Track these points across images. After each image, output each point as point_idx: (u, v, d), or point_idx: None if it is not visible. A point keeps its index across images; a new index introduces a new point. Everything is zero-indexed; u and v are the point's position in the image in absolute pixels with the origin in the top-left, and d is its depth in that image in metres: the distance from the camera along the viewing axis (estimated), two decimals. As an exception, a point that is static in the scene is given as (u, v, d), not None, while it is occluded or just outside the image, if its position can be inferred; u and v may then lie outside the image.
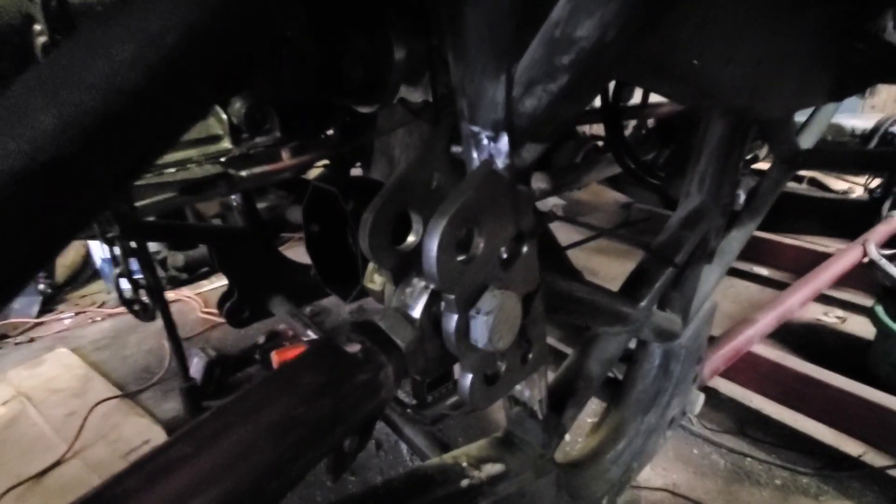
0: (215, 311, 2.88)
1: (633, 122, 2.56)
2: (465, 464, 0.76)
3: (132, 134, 0.36)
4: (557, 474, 0.90)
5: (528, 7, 0.48)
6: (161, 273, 2.81)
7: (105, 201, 0.42)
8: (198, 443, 0.38)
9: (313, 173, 2.06)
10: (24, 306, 3.20)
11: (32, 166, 0.33)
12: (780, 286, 2.78)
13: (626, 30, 0.42)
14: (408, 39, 1.01)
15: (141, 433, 2.12)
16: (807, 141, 1.62)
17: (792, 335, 2.50)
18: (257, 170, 1.05)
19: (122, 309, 3.20)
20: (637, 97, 2.21)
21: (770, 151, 1.52)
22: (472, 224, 0.50)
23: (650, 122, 2.51)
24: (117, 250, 1.06)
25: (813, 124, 1.65)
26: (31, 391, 2.43)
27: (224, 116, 1.01)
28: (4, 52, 0.75)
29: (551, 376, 0.97)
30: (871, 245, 2.66)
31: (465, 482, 0.73)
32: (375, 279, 0.60)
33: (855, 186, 3.87)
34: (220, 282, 3.31)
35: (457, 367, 0.57)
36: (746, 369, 1.99)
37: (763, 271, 3.17)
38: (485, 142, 0.52)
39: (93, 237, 1.03)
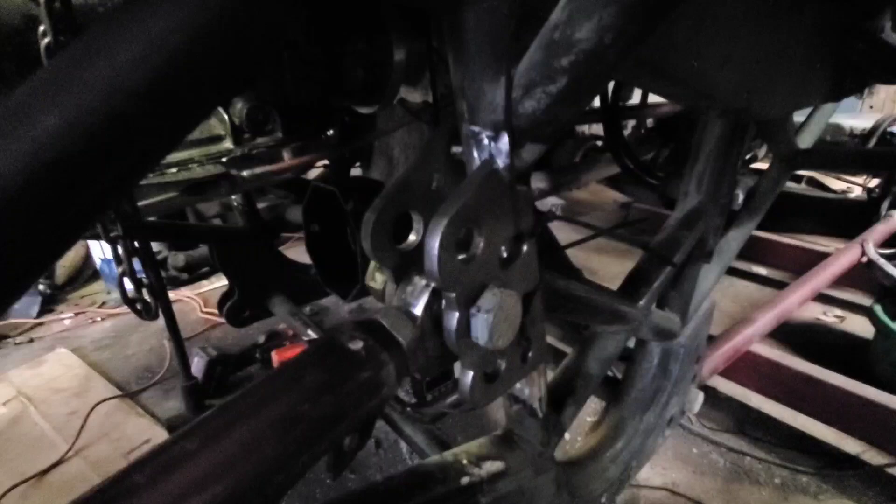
0: (215, 310, 2.89)
1: (632, 122, 2.58)
2: (465, 461, 0.76)
3: (135, 135, 0.37)
4: (557, 472, 0.90)
5: (527, 10, 0.48)
6: (162, 273, 2.81)
7: (109, 201, 0.42)
8: (203, 438, 0.38)
9: (313, 174, 2.07)
10: (24, 307, 3.21)
11: (36, 167, 0.34)
12: (779, 285, 2.79)
13: (624, 32, 0.43)
14: (407, 41, 1.02)
15: (142, 432, 2.12)
16: (805, 140, 1.63)
17: (791, 334, 2.50)
18: (259, 170, 1.06)
19: (122, 309, 3.21)
20: (636, 97, 2.22)
21: (769, 151, 1.52)
22: (472, 224, 0.51)
23: (649, 121, 2.52)
24: (120, 249, 1.07)
25: (811, 124, 1.66)
26: (32, 391, 2.43)
27: (226, 117, 1.02)
28: (7, 53, 0.75)
29: (550, 375, 0.97)
30: (869, 244, 2.66)
31: (465, 479, 0.73)
32: (377, 278, 0.61)
33: (853, 186, 3.88)
34: (220, 282, 3.32)
35: (456, 366, 0.57)
36: (746, 368, 1.99)
37: (762, 271, 3.18)
38: (485, 142, 0.52)
39: (96, 236, 1.03)
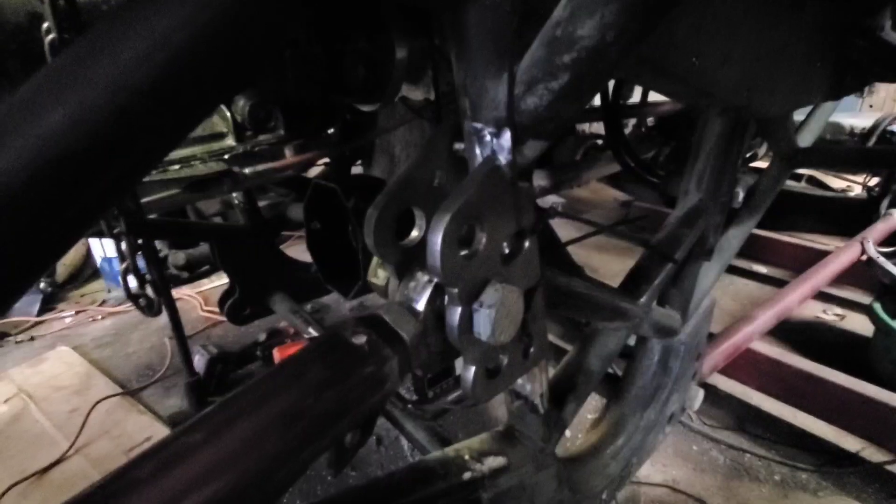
0: (216, 309, 2.89)
1: (632, 121, 2.58)
2: (467, 457, 0.77)
3: (139, 132, 0.37)
4: (558, 468, 0.91)
5: (529, 7, 0.49)
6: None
7: (113, 198, 0.43)
8: (207, 432, 0.38)
9: (313, 172, 2.07)
10: (25, 305, 3.21)
11: (41, 163, 0.34)
12: (779, 284, 2.79)
13: (626, 29, 0.43)
14: (409, 39, 1.02)
15: (143, 430, 2.13)
16: (806, 139, 1.63)
17: (791, 332, 2.51)
18: (261, 167, 1.06)
19: (123, 307, 3.22)
20: (636, 96, 2.22)
21: (769, 149, 1.53)
22: (474, 220, 0.51)
23: (649, 120, 2.53)
24: (123, 246, 1.07)
25: (812, 122, 1.66)
26: (33, 389, 2.44)
27: (228, 114, 1.02)
28: (11, 51, 0.76)
29: (552, 372, 0.98)
30: (869, 243, 2.67)
31: (467, 475, 0.74)
32: (379, 274, 0.61)
33: (853, 185, 3.88)
34: (220, 280, 3.32)
35: (457, 363, 0.58)
36: (746, 366, 2.00)
37: (762, 269, 3.18)
38: (487, 138, 0.53)
39: (99, 233, 1.04)
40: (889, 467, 1.74)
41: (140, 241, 1.10)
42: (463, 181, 0.52)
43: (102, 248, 3.40)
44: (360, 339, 0.48)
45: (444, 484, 0.71)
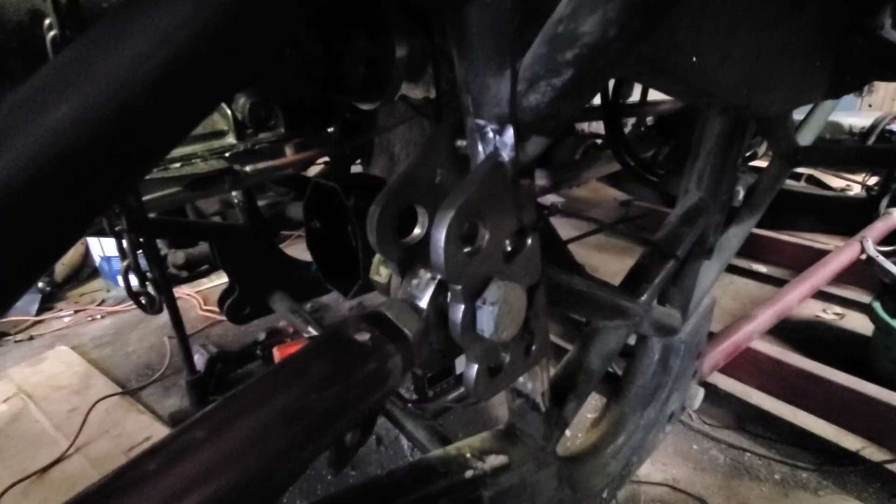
0: (215, 308, 2.89)
1: (631, 120, 2.58)
2: (468, 455, 0.77)
3: (143, 129, 0.37)
4: (559, 467, 0.91)
5: (530, 4, 0.49)
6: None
7: (116, 195, 0.43)
8: (212, 428, 0.38)
9: (312, 171, 2.07)
10: (24, 304, 3.21)
11: (44, 160, 0.34)
12: (779, 283, 2.80)
13: (628, 26, 0.43)
14: (409, 37, 1.02)
15: (142, 429, 2.12)
16: (805, 138, 1.63)
17: (791, 331, 2.51)
18: (261, 165, 1.06)
19: (122, 306, 3.22)
20: (636, 95, 2.22)
21: (769, 148, 1.53)
22: (477, 217, 0.51)
23: (649, 119, 2.53)
24: (125, 244, 1.07)
25: (811, 121, 1.67)
26: (33, 388, 2.43)
27: (228, 112, 1.02)
28: (12, 49, 0.76)
29: (552, 370, 0.98)
30: (868, 242, 2.67)
31: (468, 473, 0.74)
32: (381, 272, 0.61)
33: (853, 184, 3.88)
34: (219, 280, 3.32)
35: (458, 363, 0.58)
36: (746, 365, 2.00)
37: (762, 268, 3.19)
38: (490, 135, 0.53)
39: (100, 231, 1.04)
40: (889, 466, 1.74)
41: (141, 240, 1.10)
42: (465, 178, 0.52)
43: (101, 248, 3.40)
44: (364, 337, 0.48)
45: (445, 482, 0.71)
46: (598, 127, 2.86)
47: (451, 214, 0.47)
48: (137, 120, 0.36)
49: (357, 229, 1.34)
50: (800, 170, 3.90)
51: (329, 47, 1.07)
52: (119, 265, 1.15)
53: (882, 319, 2.08)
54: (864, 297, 2.65)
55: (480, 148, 0.55)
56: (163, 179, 1.02)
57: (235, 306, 2.19)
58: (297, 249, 2.38)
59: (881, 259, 2.52)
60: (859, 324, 2.54)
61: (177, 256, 2.71)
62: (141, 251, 1.12)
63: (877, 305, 2.14)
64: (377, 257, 0.63)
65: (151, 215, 1.68)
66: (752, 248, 3.18)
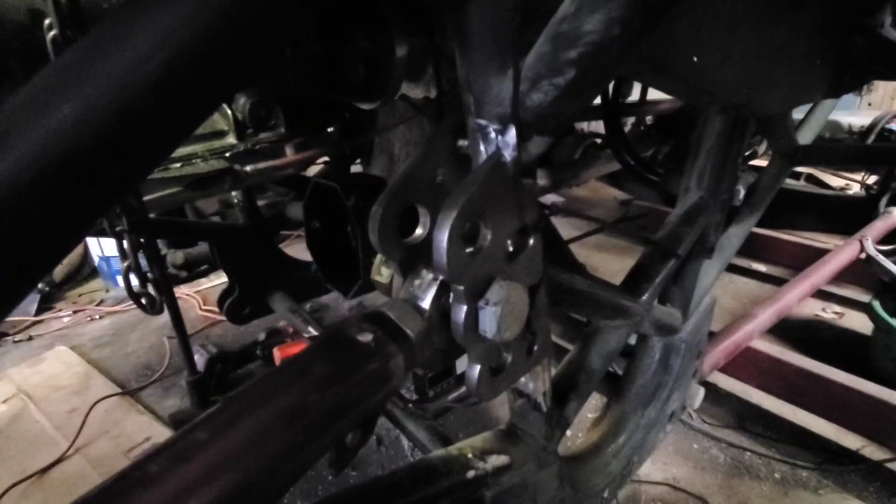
0: (214, 308, 2.89)
1: (630, 119, 2.58)
2: (470, 455, 0.76)
3: (144, 129, 0.37)
4: (560, 466, 0.91)
5: (533, 3, 0.48)
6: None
7: (118, 195, 0.43)
8: (215, 429, 0.38)
9: (311, 171, 2.07)
10: (23, 304, 3.19)
11: (46, 160, 0.34)
12: (779, 282, 2.80)
13: (631, 25, 0.43)
14: (409, 37, 1.02)
15: (142, 430, 2.12)
16: (805, 137, 1.63)
17: (791, 330, 2.51)
18: (262, 165, 1.06)
19: (121, 306, 3.21)
20: (635, 94, 2.23)
21: (769, 147, 1.53)
22: (479, 216, 0.51)
23: (648, 118, 2.53)
24: (125, 244, 1.07)
25: (811, 120, 1.67)
26: (32, 389, 2.43)
27: (229, 112, 1.02)
28: (13, 49, 0.75)
29: (553, 370, 0.98)
30: (868, 241, 2.67)
31: (470, 473, 0.74)
32: (383, 272, 0.61)
33: (852, 183, 3.89)
34: (218, 280, 3.32)
35: (458, 362, 0.58)
36: (746, 364, 2.00)
37: (761, 267, 3.19)
38: (492, 135, 0.53)
39: (101, 232, 1.04)
40: (889, 465, 1.74)
41: (142, 240, 1.09)
42: (467, 178, 0.52)
43: (100, 248, 3.39)
44: (366, 337, 0.48)
45: (447, 482, 0.71)
46: (597, 126, 2.86)
47: (453, 215, 0.47)
48: (139, 120, 0.36)
49: (357, 229, 1.34)
50: (799, 169, 3.91)
51: (329, 47, 1.07)
52: (118, 265, 1.15)
53: (882, 318, 2.09)
54: (864, 296, 2.66)
55: (482, 147, 0.55)
56: (163, 179, 1.02)
57: (235, 306, 2.19)
58: (297, 249, 2.38)
59: (881, 258, 2.52)
60: (859, 323, 2.54)
61: (176, 256, 2.71)
62: (141, 251, 1.12)
63: (876, 304, 2.14)
64: (378, 257, 0.63)
65: (151, 215, 1.68)
66: (751, 247, 3.18)
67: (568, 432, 0.93)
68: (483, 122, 0.53)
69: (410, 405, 1.46)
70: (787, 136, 1.45)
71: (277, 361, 2.06)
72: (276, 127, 1.06)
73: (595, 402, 2.01)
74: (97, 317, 3.17)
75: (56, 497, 1.83)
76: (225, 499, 0.37)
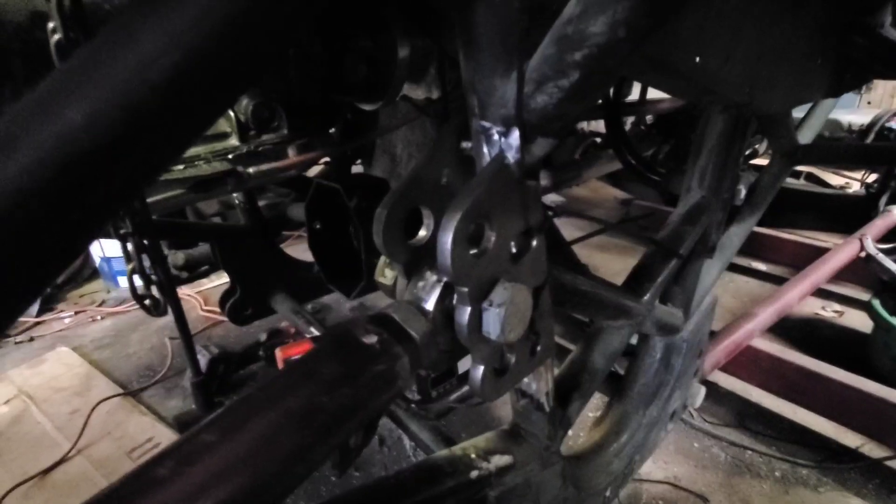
0: (216, 309, 2.89)
1: (630, 119, 2.58)
2: (473, 455, 0.77)
3: (153, 131, 0.37)
4: (563, 466, 0.91)
5: (539, 5, 0.49)
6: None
7: (128, 197, 0.43)
8: (224, 431, 0.39)
9: (312, 172, 2.07)
10: (24, 305, 3.20)
11: (56, 163, 0.34)
12: (779, 281, 2.80)
13: (637, 26, 0.43)
14: (411, 37, 1.02)
15: (144, 431, 2.12)
16: (805, 136, 1.64)
17: (791, 329, 2.52)
18: (265, 167, 1.06)
19: (123, 307, 3.21)
20: (634, 93, 2.23)
21: (769, 146, 1.53)
22: (484, 218, 0.51)
23: (648, 118, 2.53)
24: (130, 246, 1.07)
25: (811, 119, 1.67)
26: (34, 390, 2.43)
27: (231, 114, 1.02)
28: (14, 50, 0.75)
29: (556, 370, 0.98)
30: (868, 239, 2.68)
31: (474, 473, 0.74)
32: (387, 273, 0.61)
33: (852, 181, 3.89)
34: (219, 280, 3.32)
35: (461, 364, 0.58)
36: (746, 363, 2.00)
37: (762, 266, 3.19)
38: (496, 137, 0.53)
39: (105, 233, 1.04)
40: (889, 463, 1.75)
41: (145, 242, 1.10)
42: (471, 180, 0.52)
43: (101, 249, 3.39)
44: (372, 339, 0.48)
45: (451, 482, 0.71)
46: (597, 126, 2.86)
47: (458, 216, 0.47)
48: (147, 124, 0.36)
49: (359, 230, 1.34)
50: (799, 167, 3.91)
51: (331, 47, 1.07)
52: (119, 266, 1.16)
53: (881, 317, 2.09)
54: (864, 295, 2.67)
55: (486, 149, 0.55)
56: (166, 181, 1.02)
57: (237, 307, 2.19)
58: (298, 250, 2.38)
59: (880, 257, 2.53)
60: (858, 321, 2.55)
61: (177, 257, 2.71)
62: (145, 253, 1.12)
63: (876, 303, 2.14)
64: (382, 259, 0.63)
65: (154, 217, 1.68)
66: (752, 246, 3.18)
67: (570, 432, 0.94)
68: (487, 123, 0.53)
69: (413, 406, 1.46)
70: (787, 136, 1.45)
71: (280, 362, 2.06)
72: (278, 128, 1.06)
73: (596, 401, 2.01)
74: (98, 318, 3.17)
75: (58, 498, 1.83)
76: (234, 501, 0.38)
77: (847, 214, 3.33)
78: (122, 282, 3.34)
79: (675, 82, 0.80)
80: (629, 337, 1.08)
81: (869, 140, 3.36)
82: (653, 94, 2.22)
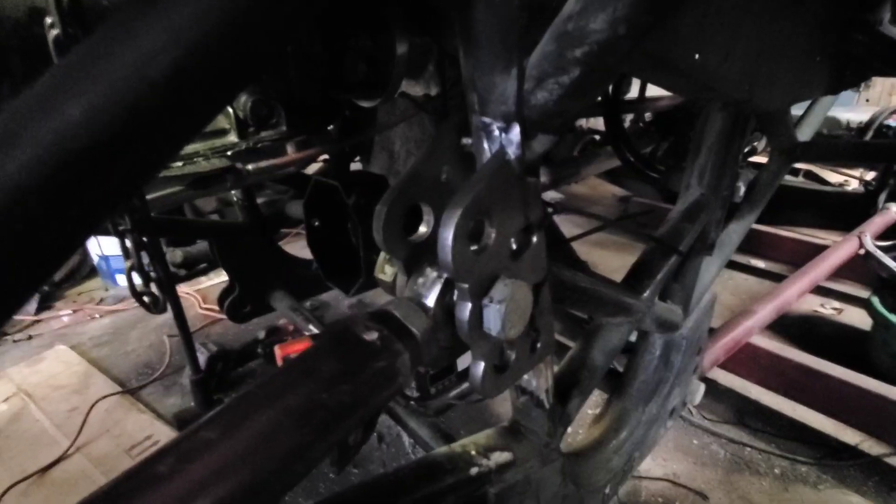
0: (214, 307, 2.89)
1: (628, 116, 2.58)
2: (473, 452, 0.77)
3: (154, 127, 0.37)
4: (563, 463, 0.91)
5: (538, 2, 0.48)
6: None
7: (127, 194, 0.42)
8: (224, 428, 0.38)
9: (310, 169, 2.07)
10: (22, 303, 3.19)
11: (56, 159, 0.34)
12: (778, 278, 2.80)
13: (637, 23, 0.43)
14: (410, 34, 1.02)
15: (143, 429, 2.12)
16: (804, 133, 1.63)
17: (790, 326, 2.52)
18: (263, 163, 1.06)
19: (121, 305, 3.21)
20: (633, 91, 2.23)
21: (768, 144, 1.53)
22: (484, 215, 0.51)
23: (647, 115, 2.53)
24: (128, 243, 1.07)
25: (810, 117, 1.67)
26: (32, 388, 2.43)
27: (230, 110, 1.02)
28: (13, 47, 0.75)
29: (555, 367, 0.98)
30: (866, 237, 2.68)
31: (474, 470, 0.74)
32: (387, 270, 0.61)
33: (850, 179, 3.89)
34: (218, 278, 3.31)
35: (460, 360, 0.58)
36: (745, 360, 2.01)
37: (760, 264, 3.20)
38: (496, 133, 0.53)
39: (103, 230, 1.04)
40: (888, 460, 1.75)
41: (144, 239, 1.09)
42: (472, 176, 0.52)
43: (99, 247, 3.38)
44: (372, 335, 0.48)
45: (451, 479, 0.71)
46: (595, 123, 2.86)
47: (458, 213, 0.47)
48: (147, 120, 0.36)
49: (358, 227, 1.34)
50: (798, 165, 3.91)
51: (330, 44, 1.07)
52: (117, 264, 1.15)
53: (880, 314, 2.09)
54: (863, 292, 2.67)
55: (486, 146, 0.55)
56: (165, 178, 1.02)
57: (235, 305, 2.19)
58: (297, 247, 2.38)
59: (879, 254, 2.53)
60: (857, 318, 2.55)
61: (175, 255, 2.71)
62: (143, 250, 1.12)
63: (875, 300, 2.15)
64: (382, 255, 0.63)
65: (152, 214, 1.68)
66: (750, 243, 3.19)
67: (569, 429, 0.94)
68: (487, 120, 0.53)
69: (412, 402, 1.46)
70: (786, 133, 1.45)
71: (278, 359, 2.06)
72: (277, 125, 1.06)
73: (595, 398, 2.01)
74: (97, 316, 3.17)
75: (57, 496, 1.83)
76: (233, 498, 0.38)
77: (846, 212, 3.34)
78: (121, 280, 3.34)
79: (674, 79, 0.79)
80: (628, 334, 1.08)
81: (867, 137, 3.36)
82: (652, 91, 2.22)
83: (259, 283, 2.19)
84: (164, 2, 0.36)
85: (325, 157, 2.00)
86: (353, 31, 1.05)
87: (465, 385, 1.29)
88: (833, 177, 3.99)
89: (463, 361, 1.26)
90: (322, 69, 1.04)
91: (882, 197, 3.24)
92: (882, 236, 2.88)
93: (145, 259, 1.15)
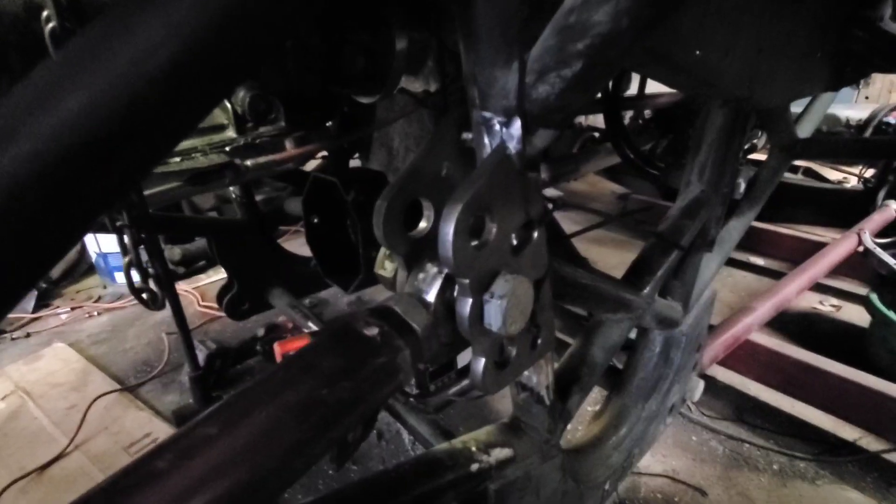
0: (213, 304, 2.88)
1: (628, 113, 2.58)
2: (474, 448, 0.77)
3: (152, 121, 0.37)
4: (563, 459, 0.91)
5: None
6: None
7: (125, 188, 0.42)
8: (224, 423, 0.38)
9: (309, 166, 2.06)
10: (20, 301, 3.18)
11: (53, 152, 0.33)
12: (777, 275, 2.81)
13: (640, 16, 0.43)
14: (409, 30, 1.01)
15: (142, 426, 2.12)
16: (804, 130, 1.63)
17: (789, 323, 2.52)
18: (262, 159, 1.06)
19: (119, 303, 3.21)
20: (633, 88, 2.22)
21: (769, 140, 1.53)
22: (485, 210, 0.51)
23: (647, 112, 2.53)
24: (126, 239, 1.06)
25: (810, 114, 1.67)
26: (31, 386, 2.42)
27: (228, 106, 1.01)
28: (11, 43, 0.75)
29: (556, 364, 0.98)
30: (865, 234, 2.68)
31: (474, 466, 0.74)
32: (387, 266, 0.61)
33: (850, 176, 3.90)
34: (216, 275, 3.31)
35: (461, 357, 0.58)
36: (744, 357, 2.01)
37: (760, 261, 3.20)
38: (497, 128, 0.52)
39: (99, 227, 1.03)
40: (887, 456, 1.75)
41: (143, 235, 1.09)
42: (473, 171, 0.52)
43: (97, 244, 3.37)
44: (373, 331, 0.48)
45: (452, 475, 0.71)
46: (595, 120, 2.86)
47: (459, 208, 0.47)
48: (145, 114, 0.36)
49: (357, 224, 1.33)
50: (797, 162, 3.91)
51: (329, 39, 1.06)
52: (115, 262, 1.15)
53: (879, 311, 2.09)
54: (862, 289, 2.67)
55: (487, 141, 0.54)
56: (163, 174, 1.02)
57: (234, 302, 2.19)
58: (296, 244, 2.37)
59: (878, 251, 2.54)
60: (856, 315, 2.55)
61: (173, 252, 2.70)
62: (141, 247, 1.11)
63: (874, 297, 2.15)
64: (382, 251, 0.62)
65: (150, 210, 1.67)
66: (750, 240, 3.19)
67: (569, 425, 0.94)
68: (488, 114, 0.53)
69: (411, 399, 1.46)
70: (786, 130, 1.45)
71: (277, 357, 2.06)
72: (275, 121, 1.05)
73: (595, 395, 2.01)
74: (95, 313, 3.16)
75: (56, 494, 1.82)
76: (232, 495, 0.37)
77: (845, 209, 3.34)
78: (119, 277, 3.33)
79: (675, 75, 0.79)
80: (629, 330, 1.08)
81: (867, 134, 3.36)
82: (651, 87, 2.22)
83: (258, 281, 2.18)
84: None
85: (324, 153, 1.99)
86: (352, 25, 1.04)
87: (465, 382, 1.29)
88: (832, 174, 3.99)
89: (463, 358, 1.26)
90: (320, 61, 1.04)
91: (881, 194, 3.24)
92: (881, 233, 2.88)
93: (144, 256, 1.15)
